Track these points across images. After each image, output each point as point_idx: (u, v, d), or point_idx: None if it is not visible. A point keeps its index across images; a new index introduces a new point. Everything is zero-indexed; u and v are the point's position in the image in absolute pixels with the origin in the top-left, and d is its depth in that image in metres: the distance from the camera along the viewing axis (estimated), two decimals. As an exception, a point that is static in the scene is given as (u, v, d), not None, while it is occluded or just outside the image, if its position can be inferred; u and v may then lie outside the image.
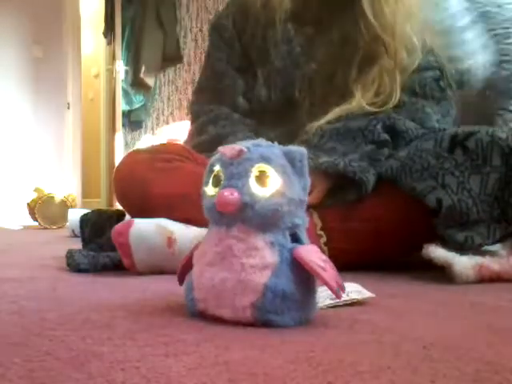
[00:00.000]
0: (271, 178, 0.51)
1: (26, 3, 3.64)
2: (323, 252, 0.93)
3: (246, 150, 0.52)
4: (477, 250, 0.86)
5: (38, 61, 3.70)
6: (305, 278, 0.52)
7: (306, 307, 0.53)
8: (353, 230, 0.94)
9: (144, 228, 0.89)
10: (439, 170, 0.88)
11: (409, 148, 0.94)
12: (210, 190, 0.53)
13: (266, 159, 0.51)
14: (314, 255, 0.52)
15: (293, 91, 1.10)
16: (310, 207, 0.95)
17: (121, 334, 0.48)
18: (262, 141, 0.54)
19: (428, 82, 1.05)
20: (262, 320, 0.50)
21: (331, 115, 1.00)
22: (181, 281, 0.59)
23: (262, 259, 0.50)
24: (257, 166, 0.51)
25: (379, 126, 0.97)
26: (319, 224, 0.94)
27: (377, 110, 0.99)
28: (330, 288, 0.51)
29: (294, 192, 0.52)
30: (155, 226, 0.89)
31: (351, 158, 0.94)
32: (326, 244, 0.93)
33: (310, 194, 0.94)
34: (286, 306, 0.51)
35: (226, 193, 0.50)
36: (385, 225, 0.93)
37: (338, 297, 0.52)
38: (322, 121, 1.00)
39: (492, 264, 0.82)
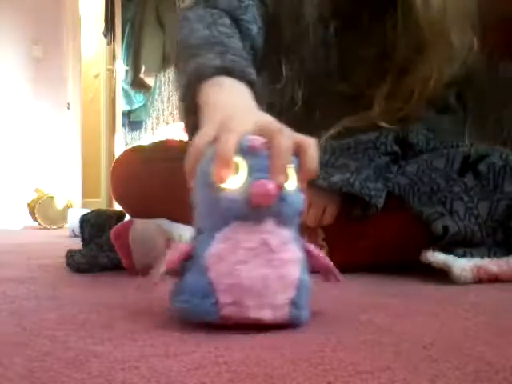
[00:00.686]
0: (291, 173, 0.51)
1: (26, 3, 3.64)
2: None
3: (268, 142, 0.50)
4: (477, 252, 0.86)
5: (37, 61, 3.70)
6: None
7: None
8: (355, 243, 0.93)
9: (143, 228, 0.89)
10: (448, 193, 0.86)
11: (418, 163, 0.91)
12: (227, 181, 0.49)
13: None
14: (319, 251, 0.54)
15: (314, 103, 1.02)
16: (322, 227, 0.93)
17: (121, 334, 0.48)
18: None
19: (450, 98, 0.99)
20: (295, 317, 0.49)
21: (339, 125, 0.94)
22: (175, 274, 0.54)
23: (294, 254, 0.50)
24: None
25: (391, 138, 0.92)
26: (321, 235, 0.93)
27: (390, 126, 0.93)
28: (337, 278, 0.56)
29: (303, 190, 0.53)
30: (155, 227, 0.89)
31: (366, 175, 0.89)
32: (327, 255, 0.92)
33: (322, 213, 0.92)
34: (308, 300, 0.51)
35: (270, 185, 0.47)
36: (389, 240, 0.91)
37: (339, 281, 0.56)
38: (331, 131, 0.93)
39: (491, 266, 0.82)
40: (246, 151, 0.49)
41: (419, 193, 0.88)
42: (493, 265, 0.82)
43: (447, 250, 0.84)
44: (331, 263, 0.56)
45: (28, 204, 3.08)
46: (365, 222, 0.92)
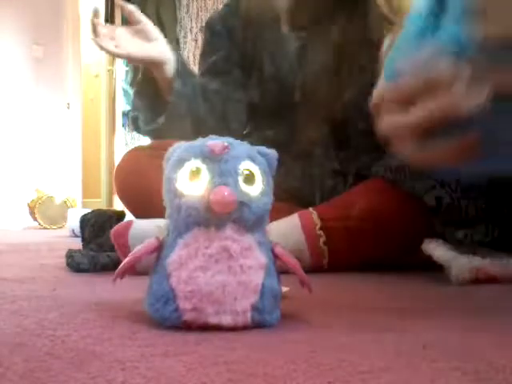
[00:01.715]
0: (257, 176, 0.50)
1: (26, 3, 3.64)
2: (322, 252, 0.93)
3: (229, 145, 0.50)
4: (479, 250, 0.86)
5: (37, 61, 3.69)
6: (278, 275, 0.53)
7: (279, 305, 0.53)
8: (352, 229, 0.94)
9: (143, 229, 0.89)
10: None
11: None
12: (187, 187, 0.50)
13: (251, 157, 0.51)
14: (289, 254, 0.53)
15: (290, 96, 1.10)
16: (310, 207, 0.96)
17: (121, 333, 0.48)
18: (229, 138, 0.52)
19: None
20: (258, 322, 0.49)
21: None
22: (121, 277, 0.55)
23: (256, 259, 0.49)
24: (243, 163, 0.50)
25: None
26: (318, 223, 0.94)
27: None
28: (307, 285, 0.53)
29: (271, 192, 0.52)
30: (155, 227, 0.89)
31: None
32: (325, 243, 0.93)
33: None
34: (276, 304, 0.51)
35: (226, 192, 0.48)
36: (385, 224, 0.93)
37: (310, 289, 0.54)
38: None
39: (491, 267, 0.82)
40: (206, 156, 0.49)
41: (409, 172, 0.90)
42: (493, 267, 0.82)
43: (445, 225, 0.85)
44: (301, 272, 0.54)
45: (28, 204, 3.08)
46: (359, 206, 0.94)
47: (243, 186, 0.49)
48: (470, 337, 0.48)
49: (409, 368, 0.38)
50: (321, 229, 0.94)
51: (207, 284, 0.48)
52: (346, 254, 0.93)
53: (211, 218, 0.48)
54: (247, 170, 0.50)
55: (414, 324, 0.54)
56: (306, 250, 0.93)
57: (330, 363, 0.39)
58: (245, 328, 0.49)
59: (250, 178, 0.50)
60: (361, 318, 0.56)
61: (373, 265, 0.95)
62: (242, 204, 0.48)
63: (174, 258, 0.49)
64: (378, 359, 0.40)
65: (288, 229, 0.93)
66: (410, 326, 0.53)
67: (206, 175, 0.49)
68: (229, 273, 0.48)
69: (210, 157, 0.49)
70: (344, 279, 0.87)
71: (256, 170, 0.50)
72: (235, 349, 0.43)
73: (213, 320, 0.48)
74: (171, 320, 0.49)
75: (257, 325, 0.49)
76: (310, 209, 0.96)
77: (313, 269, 0.90)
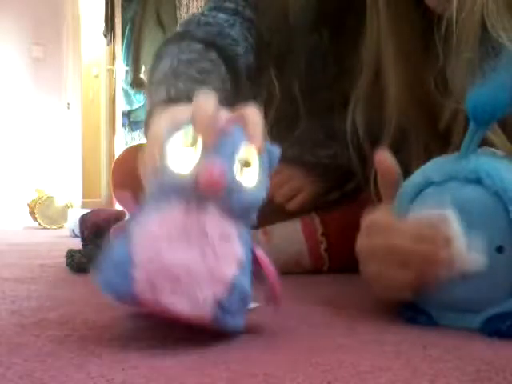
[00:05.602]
0: (254, 169, 0.47)
1: (26, 3, 3.64)
2: (323, 258, 0.93)
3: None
4: None
5: (37, 61, 3.70)
6: (252, 279, 0.46)
7: (247, 311, 0.47)
8: (354, 237, 0.93)
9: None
10: None
11: None
12: (179, 155, 0.45)
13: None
14: (269, 260, 0.48)
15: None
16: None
17: (120, 333, 0.48)
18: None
19: None
20: (220, 319, 0.42)
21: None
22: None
23: (232, 250, 0.44)
24: (242, 150, 0.46)
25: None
26: (320, 229, 0.93)
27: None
28: (276, 297, 0.48)
29: (265, 189, 0.49)
30: (155, 226, 0.89)
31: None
32: (326, 250, 0.93)
33: (292, 197, 0.96)
34: (242, 307, 0.45)
35: (216, 170, 0.42)
36: None
37: (279, 305, 0.48)
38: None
39: None
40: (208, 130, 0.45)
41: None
42: None
43: None
44: (275, 283, 0.48)
45: (28, 204, 3.08)
46: (362, 214, 0.93)
47: (238, 174, 0.45)
48: (470, 337, 0.48)
49: (409, 368, 0.38)
50: (322, 235, 0.93)
51: (170, 259, 0.42)
52: (346, 260, 0.93)
53: (193, 191, 0.44)
54: (246, 160, 0.46)
55: (414, 324, 0.54)
56: (307, 255, 0.92)
57: (330, 363, 0.39)
58: (204, 324, 0.43)
59: (246, 168, 0.46)
60: (361, 318, 0.56)
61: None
62: (232, 190, 0.44)
63: (141, 220, 0.46)
64: (377, 359, 0.40)
65: (289, 233, 0.93)
66: (410, 326, 0.53)
67: (201, 150, 0.45)
68: (199, 254, 0.42)
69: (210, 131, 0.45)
70: (344, 279, 0.87)
71: (256, 162, 0.47)
72: (235, 349, 0.43)
73: (165, 299, 0.41)
74: (122, 286, 0.42)
75: (217, 323, 0.43)
76: (313, 214, 0.96)
77: (312, 272, 0.90)
